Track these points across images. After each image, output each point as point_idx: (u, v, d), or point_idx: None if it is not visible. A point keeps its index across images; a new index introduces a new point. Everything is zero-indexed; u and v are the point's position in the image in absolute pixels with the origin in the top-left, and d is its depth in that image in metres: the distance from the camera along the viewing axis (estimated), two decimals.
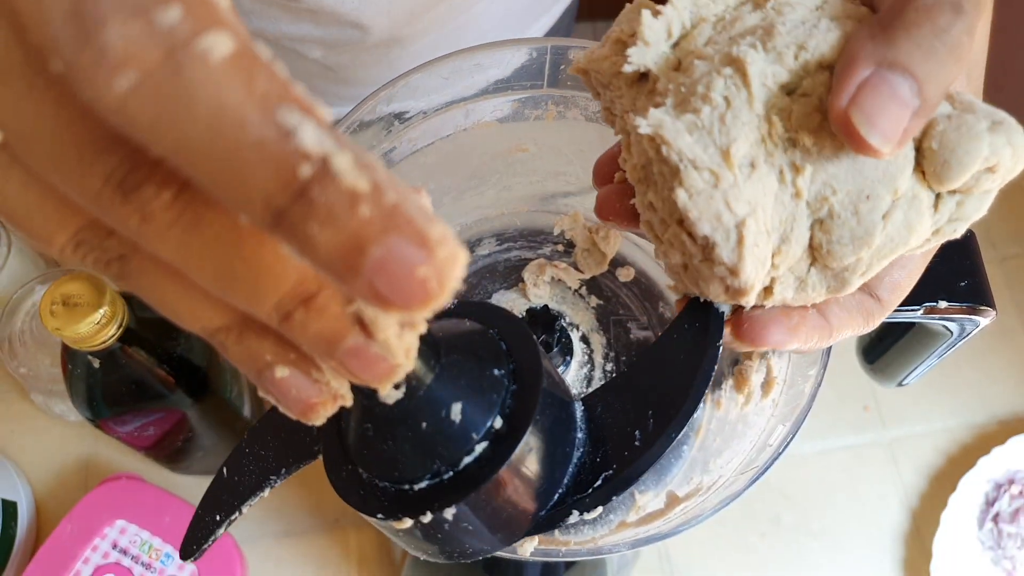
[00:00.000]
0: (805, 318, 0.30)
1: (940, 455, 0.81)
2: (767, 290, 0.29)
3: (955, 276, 0.38)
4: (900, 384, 0.50)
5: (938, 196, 0.28)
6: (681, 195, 0.26)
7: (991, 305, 0.39)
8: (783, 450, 0.35)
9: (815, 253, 0.28)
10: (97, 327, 0.52)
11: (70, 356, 0.59)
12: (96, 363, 0.57)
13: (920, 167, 0.27)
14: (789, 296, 0.29)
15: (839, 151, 0.26)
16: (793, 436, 0.36)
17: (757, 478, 0.35)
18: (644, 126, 0.26)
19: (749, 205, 0.26)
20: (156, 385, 0.61)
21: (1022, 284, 0.88)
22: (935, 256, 0.38)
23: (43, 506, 0.74)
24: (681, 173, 0.26)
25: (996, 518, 0.76)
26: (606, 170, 0.35)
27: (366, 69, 0.67)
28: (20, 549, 0.70)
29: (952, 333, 0.42)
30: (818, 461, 0.81)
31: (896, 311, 0.38)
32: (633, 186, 0.31)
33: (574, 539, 0.43)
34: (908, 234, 0.27)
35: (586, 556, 0.34)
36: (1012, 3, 1.29)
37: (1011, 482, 0.77)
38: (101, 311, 0.52)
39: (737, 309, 0.31)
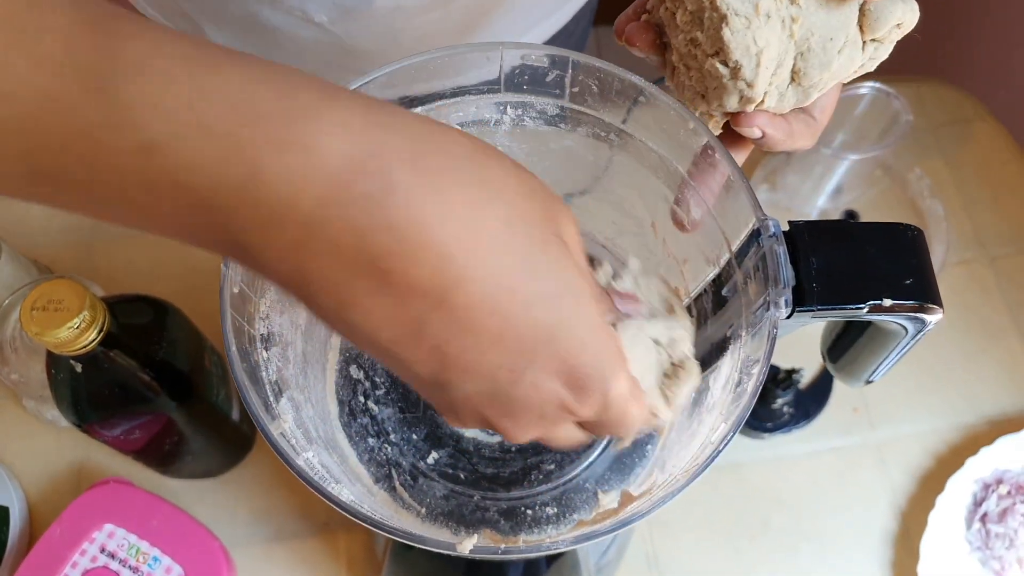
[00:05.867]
0: (777, 118, 0.42)
1: (928, 456, 0.81)
2: (759, 101, 0.41)
3: (900, 274, 0.38)
4: (868, 382, 0.51)
5: (865, 43, 0.41)
6: (726, 32, 0.38)
7: (937, 303, 0.39)
8: (723, 447, 0.35)
9: (795, 75, 0.41)
10: (77, 331, 0.53)
11: (54, 361, 0.60)
12: (79, 367, 0.58)
13: (860, 22, 0.40)
14: (772, 104, 0.41)
15: (819, 8, 0.39)
16: (734, 433, 0.36)
17: (698, 474, 0.35)
18: None
19: (766, 41, 0.38)
20: (140, 389, 0.62)
21: (1011, 284, 0.88)
22: (881, 253, 0.38)
23: (36, 511, 0.75)
24: (728, 18, 0.38)
25: (984, 518, 0.75)
26: (625, 21, 0.45)
27: (371, 39, 0.68)
28: (12, 554, 0.71)
29: (907, 331, 0.42)
30: (807, 463, 0.81)
31: (842, 309, 0.39)
32: (656, 27, 0.44)
33: (525, 536, 0.44)
34: (850, 64, 0.41)
35: (525, 553, 0.34)
36: (1012, 3, 1.28)
37: (999, 482, 0.76)
38: (80, 316, 0.53)
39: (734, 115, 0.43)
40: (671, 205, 0.45)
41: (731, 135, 0.44)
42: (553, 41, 0.81)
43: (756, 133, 0.42)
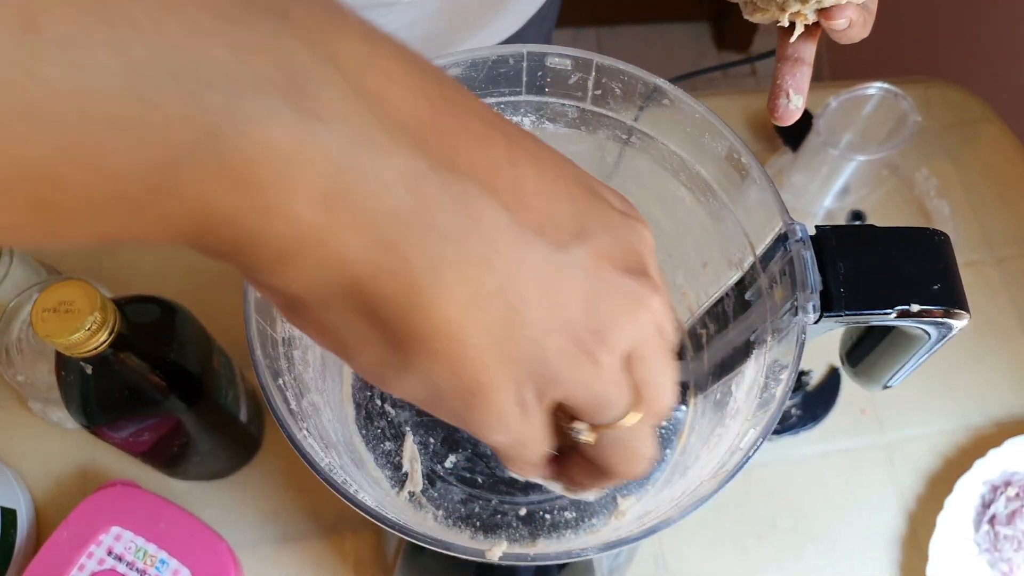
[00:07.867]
0: (857, 7, 0.44)
1: (937, 457, 0.81)
2: None
3: (928, 279, 0.38)
4: (885, 387, 0.50)
5: None
6: None
7: (964, 308, 0.39)
8: (753, 454, 0.35)
9: None
10: (88, 333, 0.52)
11: (63, 363, 0.59)
12: (89, 369, 0.57)
13: None
14: None
15: None
16: (764, 438, 0.36)
17: (728, 481, 0.35)
18: None
19: None
20: (149, 391, 0.61)
21: (1018, 285, 0.88)
22: (908, 258, 0.38)
23: (43, 513, 0.75)
24: None
25: (992, 520, 0.75)
26: None
27: None
28: (19, 556, 0.71)
29: (930, 336, 0.42)
30: (815, 464, 0.81)
31: (869, 314, 0.39)
32: None
33: (544, 541, 0.44)
34: None
35: (555, 560, 0.34)
36: (1020, 5, 1.29)
37: (1007, 484, 0.76)
38: (91, 317, 0.52)
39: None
40: (773, 101, 0.46)
41: (805, 33, 0.46)
42: (528, 25, 0.80)
43: (844, 24, 0.44)
